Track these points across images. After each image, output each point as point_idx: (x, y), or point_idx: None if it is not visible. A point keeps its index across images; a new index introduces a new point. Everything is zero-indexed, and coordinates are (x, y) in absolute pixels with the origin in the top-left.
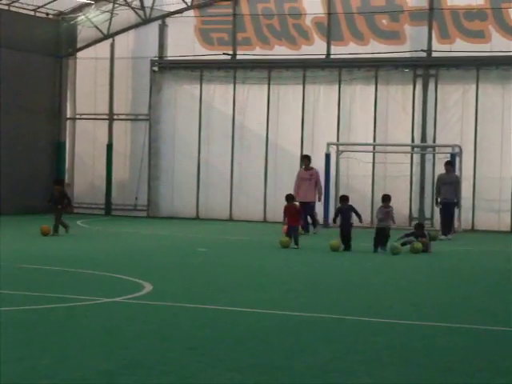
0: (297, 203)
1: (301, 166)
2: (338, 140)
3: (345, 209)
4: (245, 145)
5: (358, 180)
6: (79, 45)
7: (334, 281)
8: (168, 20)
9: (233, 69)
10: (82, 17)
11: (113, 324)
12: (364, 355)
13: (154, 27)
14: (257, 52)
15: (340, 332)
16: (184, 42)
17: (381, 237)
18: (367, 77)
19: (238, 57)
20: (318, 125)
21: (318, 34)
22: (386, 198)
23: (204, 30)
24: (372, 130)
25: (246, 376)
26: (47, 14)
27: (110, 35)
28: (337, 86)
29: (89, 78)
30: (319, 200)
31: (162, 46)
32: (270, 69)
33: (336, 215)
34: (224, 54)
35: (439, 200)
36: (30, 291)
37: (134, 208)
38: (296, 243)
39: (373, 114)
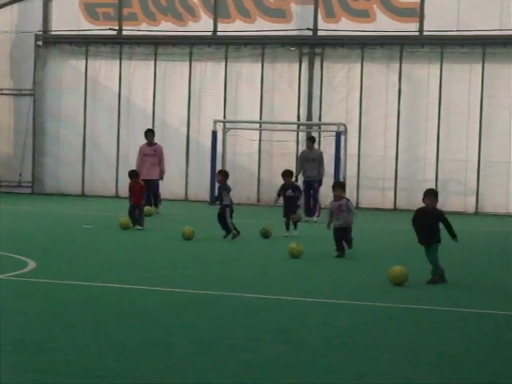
0: (140, 180)
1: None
2: (224, 117)
3: (289, 187)
4: (131, 121)
5: (244, 158)
6: None
7: (220, 257)
8: None
9: (119, 44)
10: None
11: None
12: (247, 332)
13: (37, 1)
14: (143, 28)
15: (224, 308)
16: (69, 16)
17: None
18: (254, 54)
19: (124, 32)
20: (205, 102)
21: (204, 10)
22: (337, 186)
23: (89, 5)
24: (258, 107)
25: (128, 352)
26: None
27: None
28: (223, 64)
29: None
30: (161, 178)
31: (46, 20)
32: (156, 45)
33: (279, 194)
34: (110, 29)
35: (304, 179)
36: None
37: (19, 184)
38: (141, 224)
39: (259, 92)
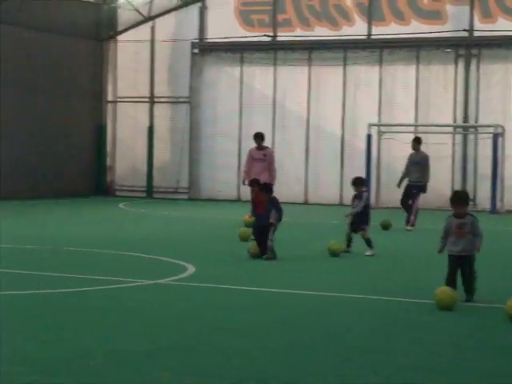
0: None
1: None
2: (379, 121)
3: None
4: (285, 126)
5: (399, 161)
6: (120, 28)
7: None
8: (208, 2)
9: (273, 50)
10: (123, 0)
11: (155, 305)
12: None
13: (194, 9)
14: (297, 33)
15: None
16: (224, 24)
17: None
18: (408, 57)
19: (279, 38)
20: (359, 106)
21: (358, 14)
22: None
23: (244, 12)
24: (413, 110)
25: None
26: None
27: (150, 18)
28: (378, 67)
29: (130, 60)
30: (273, 183)
31: (202, 28)
32: (310, 50)
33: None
34: (265, 35)
35: (404, 182)
36: (74, 273)
37: (176, 191)
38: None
39: (414, 95)
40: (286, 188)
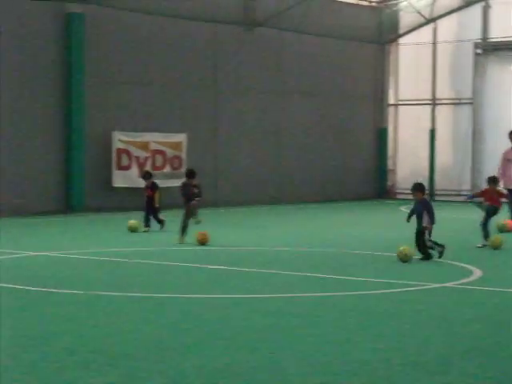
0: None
1: None
2: None
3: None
4: None
5: None
6: (401, 31)
7: None
8: (491, 0)
9: None
10: (405, 3)
11: (444, 309)
12: None
13: (476, 9)
14: None
15: None
16: (509, 22)
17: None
18: None
19: None
20: None
21: None
22: None
23: None
24: None
25: None
26: (370, 2)
27: (431, 20)
28: None
29: (411, 63)
30: None
31: (485, 27)
32: None
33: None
34: None
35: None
36: (353, 276)
37: (458, 193)
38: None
39: None
40: None
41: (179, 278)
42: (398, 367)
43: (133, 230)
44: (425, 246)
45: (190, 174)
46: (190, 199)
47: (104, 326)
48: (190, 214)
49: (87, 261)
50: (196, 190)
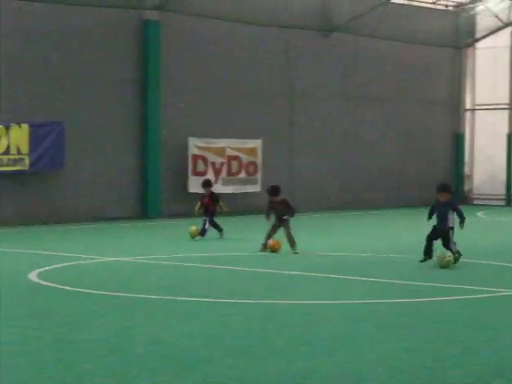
0: None
1: None
2: None
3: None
4: None
5: None
6: (478, 35)
7: None
8: None
9: None
10: (482, 6)
11: None
12: None
13: None
14: None
15: None
16: None
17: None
18: None
19: None
20: None
21: None
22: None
23: None
24: None
25: None
26: (446, 6)
27: (509, 23)
28: None
29: (488, 67)
30: None
31: None
32: None
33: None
34: None
35: None
36: (415, 281)
37: None
38: None
39: None
40: None
41: (266, 284)
42: None
43: (193, 236)
44: (449, 244)
45: (273, 191)
46: (281, 219)
47: (183, 330)
48: (288, 227)
49: (172, 266)
50: (280, 207)
